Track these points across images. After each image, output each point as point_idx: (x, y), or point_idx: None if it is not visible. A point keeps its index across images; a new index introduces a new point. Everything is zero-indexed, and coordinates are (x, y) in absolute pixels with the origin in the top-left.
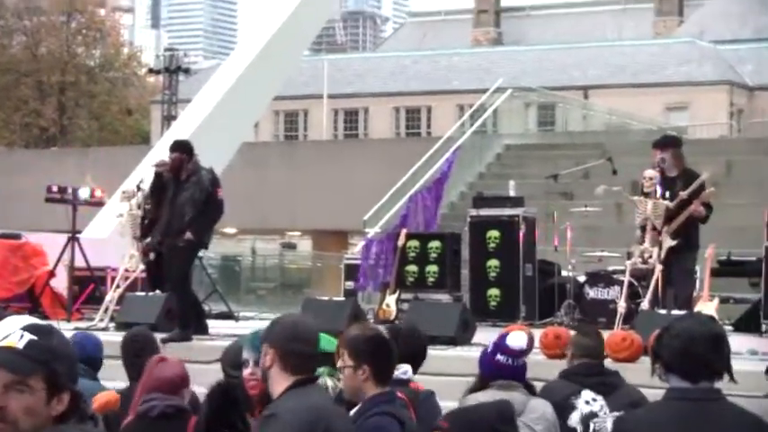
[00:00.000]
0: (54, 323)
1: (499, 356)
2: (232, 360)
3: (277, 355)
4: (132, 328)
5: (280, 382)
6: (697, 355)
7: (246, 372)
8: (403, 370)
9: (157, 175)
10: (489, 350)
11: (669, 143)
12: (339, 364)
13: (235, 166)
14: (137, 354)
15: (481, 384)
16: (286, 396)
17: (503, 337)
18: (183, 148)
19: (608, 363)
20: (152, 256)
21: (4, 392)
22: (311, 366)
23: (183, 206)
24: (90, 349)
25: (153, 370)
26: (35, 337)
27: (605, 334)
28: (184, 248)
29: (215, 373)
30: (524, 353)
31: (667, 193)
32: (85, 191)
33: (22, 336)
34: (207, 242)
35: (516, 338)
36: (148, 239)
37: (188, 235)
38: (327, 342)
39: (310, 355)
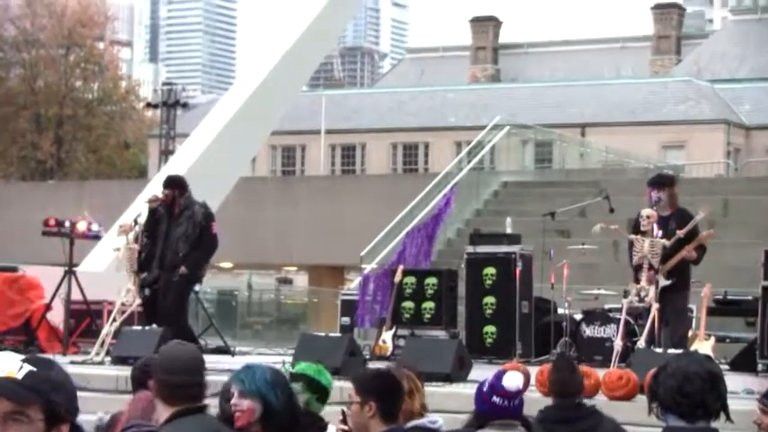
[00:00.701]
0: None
1: (495, 398)
2: (229, 395)
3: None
4: (142, 358)
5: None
6: (693, 395)
7: (231, 402)
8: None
9: (151, 211)
10: (485, 391)
11: (664, 182)
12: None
13: (232, 201)
14: (144, 383)
15: (477, 423)
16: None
17: (498, 379)
18: (176, 184)
19: (603, 401)
20: (147, 291)
21: (3, 422)
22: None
23: (177, 241)
24: None
25: (138, 400)
26: (34, 369)
27: (601, 372)
28: (179, 283)
29: (211, 408)
30: (520, 393)
31: (661, 233)
32: (82, 224)
33: (21, 367)
34: (201, 276)
35: (512, 379)
36: (145, 274)
37: (182, 270)
38: (324, 377)
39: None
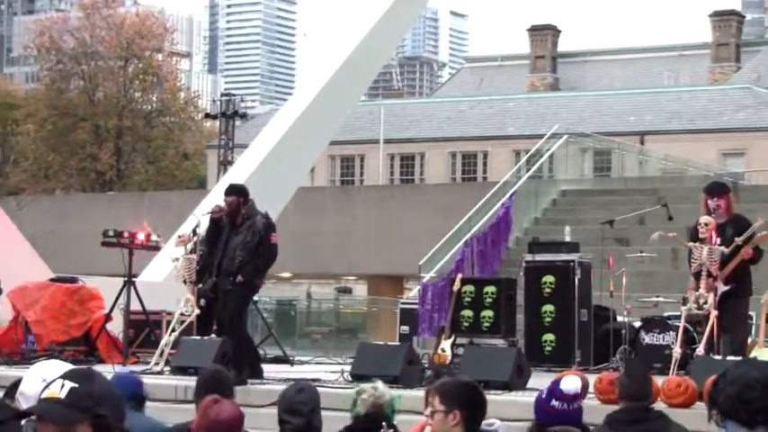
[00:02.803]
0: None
1: (554, 402)
2: (287, 405)
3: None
4: (210, 366)
5: None
6: (753, 401)
7: None
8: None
9: (214, 221)
10: (544, 396)
11: (721, 190)
12: (428, 410)
13: (290, 211)
14: (212, 392)
15: (538, 430)
16: None
17: (556, 383)
18: (239, 192)
19: (662, 408)
20: (203, 302)
21: None
22: None
23: (235, 249)
24: (131, 388)
25: (208, 411)
26: (76, 384)
27: (660, 379)
28: (237, 292)
29: (269, 417)
30: (578, 397)
31: (719, 240)
32: (141, 235)
33: (62, 385)
34: (259, 286)
35: (570, 383)
36: (201, 284)
37: (239, 278)
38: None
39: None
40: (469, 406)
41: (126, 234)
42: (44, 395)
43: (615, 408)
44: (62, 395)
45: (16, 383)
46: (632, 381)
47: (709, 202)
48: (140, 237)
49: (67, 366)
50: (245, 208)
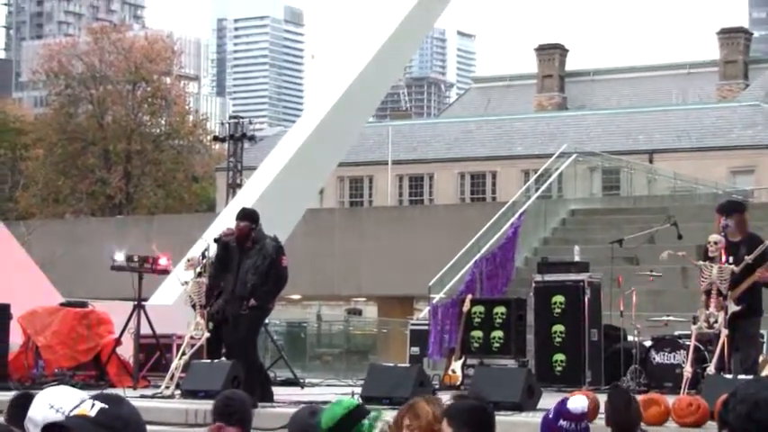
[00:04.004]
0: (120, 391)
1: (561, 422)
2: (298, 427)
3: None
4: (228, 390)
5: None
6: (764, 421)
7: None
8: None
9: (224, 244)
10: (551, 416)
11: (733, 208)
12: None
13: (300, 233)
14: (223, 418)
15: None
16: None
17: (563, 403)
18: (250, 217)
19: (674, 428)
20: (211, 325)
21: None
22: None
23: (247, 273)
24: None
25: None
26: (106, 405)
27: (671, 399)
28: (249, 315)
29: None
30: (585, 416)
31: (731, 259)
32: (151, 259)
33: (93, 405)
34: (270, 309)
35: (576, 402)
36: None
37: (252, 302)
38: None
39: None
40: (478, 427)
41: (135, 258)
42: (75, 412)
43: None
44: (92, 413)
45: (15, 402)
46: (615, 410)
47: (722, 220)
48: (162, 262)
49: (76, 392)
50: (254, 232)
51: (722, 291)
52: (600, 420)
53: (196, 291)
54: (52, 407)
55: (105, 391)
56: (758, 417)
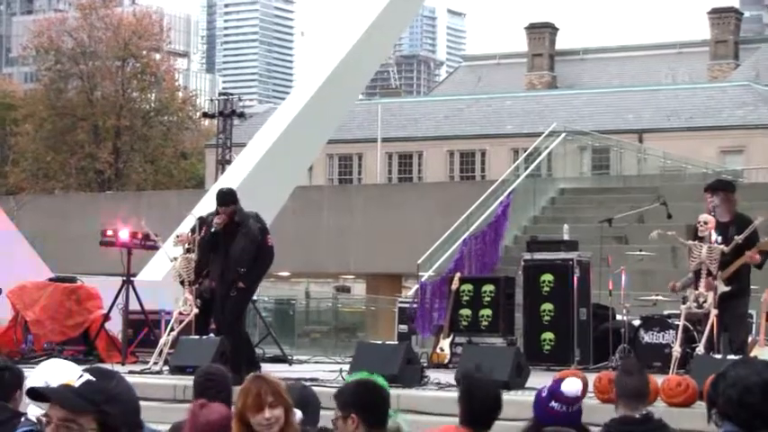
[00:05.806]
0: (108, 366)
1: (554, 404)
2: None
3: None
4: (207, 365)
5: None
6: (753, 405)
7: None
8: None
9: (213, 232)
10: (544, 396)
11: (719, 187)
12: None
13: (289, 210)
14: (205, 394)
15: (535, 429)
16: None
17: (557, 384)
18: (232, 200)
19: (662, 408)
20: (198, 302)
21: (56, 429)
22: None
23: (236, 258)
24: None
25: (196, 417)
26: (93, 379)
27: (660, 378)
28: (235, 297)
29: None
30: (579, 399)
31: (720, 238)
32: (139, 234)
33: (81, 376)
34: (256, 287)
35: (571, 385)
36: (198, 284)
37: (240, 284)
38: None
39: None
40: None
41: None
42: (62, 382)
43: (614, 405)
44: (76, 384)
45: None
46: (630, 379)
47: (709, 199)
48: (138, 236)
49: (72, 366)
50: (237, 215)
51: (712, 270)
52: (588, 399)
53: (185, 267)
54: (47, 382)
55: (101, 366)
56: (749, 401)
